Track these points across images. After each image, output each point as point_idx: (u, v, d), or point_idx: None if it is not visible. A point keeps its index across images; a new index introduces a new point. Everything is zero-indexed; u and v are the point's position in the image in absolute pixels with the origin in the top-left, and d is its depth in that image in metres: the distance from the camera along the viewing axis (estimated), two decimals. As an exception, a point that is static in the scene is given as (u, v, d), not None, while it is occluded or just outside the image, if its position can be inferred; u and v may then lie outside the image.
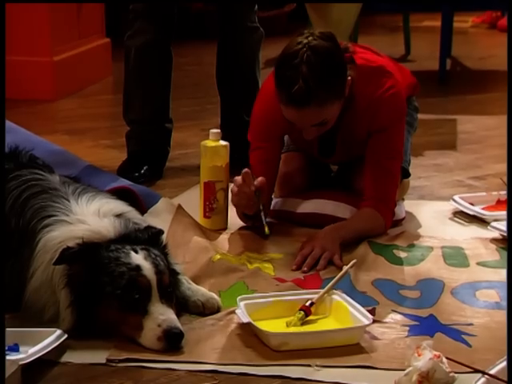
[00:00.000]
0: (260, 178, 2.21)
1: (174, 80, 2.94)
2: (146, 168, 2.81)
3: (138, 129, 2.90)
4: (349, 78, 2.14)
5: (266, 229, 2.21)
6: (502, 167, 2.78)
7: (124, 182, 2.45)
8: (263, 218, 2.22)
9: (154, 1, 2.77)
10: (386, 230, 2.29)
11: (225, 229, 2.36)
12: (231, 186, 2.26)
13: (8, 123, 2.73)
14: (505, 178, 2.45)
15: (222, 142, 2.37)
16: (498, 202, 2.50)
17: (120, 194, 2.13)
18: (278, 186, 2.45)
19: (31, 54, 3.98)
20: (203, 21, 5.57)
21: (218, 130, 2.38)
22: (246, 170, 2.21)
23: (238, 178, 2.21)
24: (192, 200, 2.46)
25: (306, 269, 2.08)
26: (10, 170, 1.92)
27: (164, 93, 2.90)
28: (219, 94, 3.00)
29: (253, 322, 1.72)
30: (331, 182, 2.52)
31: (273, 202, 2.46)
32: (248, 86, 2.87)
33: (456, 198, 2.51)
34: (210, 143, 2.36)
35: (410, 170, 2.53)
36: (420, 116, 2.63)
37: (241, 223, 2.37)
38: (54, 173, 1.98)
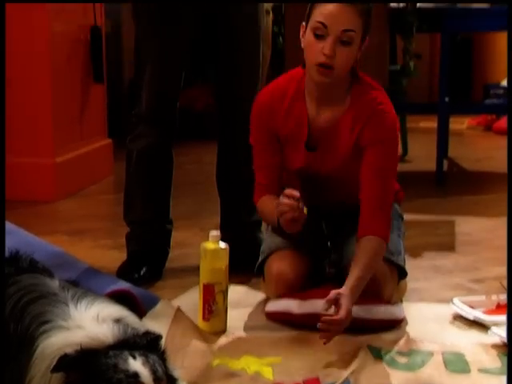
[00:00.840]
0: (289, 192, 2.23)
1: (173, 179, 2.97)
2: (145, 269, 2.81)
3: (138, 230, 2.92)
4: (367, 39, 2.27)
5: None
6: (501, 270, 2.77)
7: (123, 285, 2.45)
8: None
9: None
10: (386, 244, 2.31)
11: (224, 331, 2.35)
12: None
13: (8, 225, 2.75)
14: (504, 282, 2.45)
15: (222, 245, 2.38)
16: (498, 306, 2.49)
17: (119, 296, 2.13)
18: (274, 284, 2.45)
19: (33, 156, 4.03)
20: (203, 121, 5.68)
21: (218, 233, 2.39)
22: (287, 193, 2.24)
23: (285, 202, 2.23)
24: (191, 302, 2.45)
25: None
26: (10, 275, 1.92)
27: (165, 195, 2.94)
28: (219, 194, 3.03)
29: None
30: (326, 280, 2.52)
31: (269, 304, 2.45)
32: (248, 188, 2.91)
33: (456, 301, 2.50)
34: (209, 245, 2.37)
35: (409, 272, 2.53)
36: (418, 217, 2.66)
37: (240, 325, 2.37)
38: (53, 277, 1.98)
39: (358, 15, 2.20)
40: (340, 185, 2.41)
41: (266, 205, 2.42)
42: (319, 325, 2.10)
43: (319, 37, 2.19)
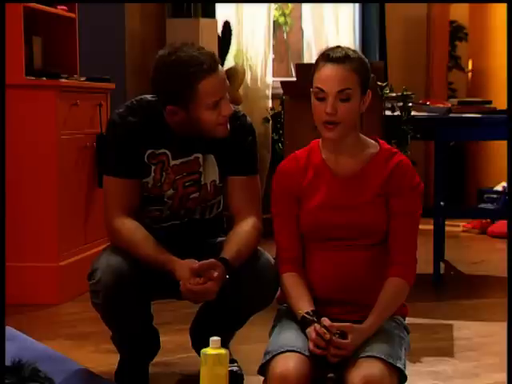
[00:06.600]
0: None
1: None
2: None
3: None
4: (369, 92, 2.44)
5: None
6: (501, 377, 2.78)
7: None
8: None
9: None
10: (410, 289, 2.47)
11: None
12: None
13: (12, 330, 2.77)
14: (503, 389, 2.45)
15: (223, 350, 2.39)
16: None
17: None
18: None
19: (38, 260, 4.07)
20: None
21: (218, 338, 2.41)
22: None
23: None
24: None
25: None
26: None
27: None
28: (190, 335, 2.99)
29: None
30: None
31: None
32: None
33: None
34: (209, 351, 2.38)
35: (408, 378, 2.52)
36: (416, 320, 2.66)
37: None
38: (54, 386, 2.01)
39: (352, 73, 2.41)
40: (356, 257, 2.47)
41: (291, 285, 2.48)
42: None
43: (320, 99, 2.42)
